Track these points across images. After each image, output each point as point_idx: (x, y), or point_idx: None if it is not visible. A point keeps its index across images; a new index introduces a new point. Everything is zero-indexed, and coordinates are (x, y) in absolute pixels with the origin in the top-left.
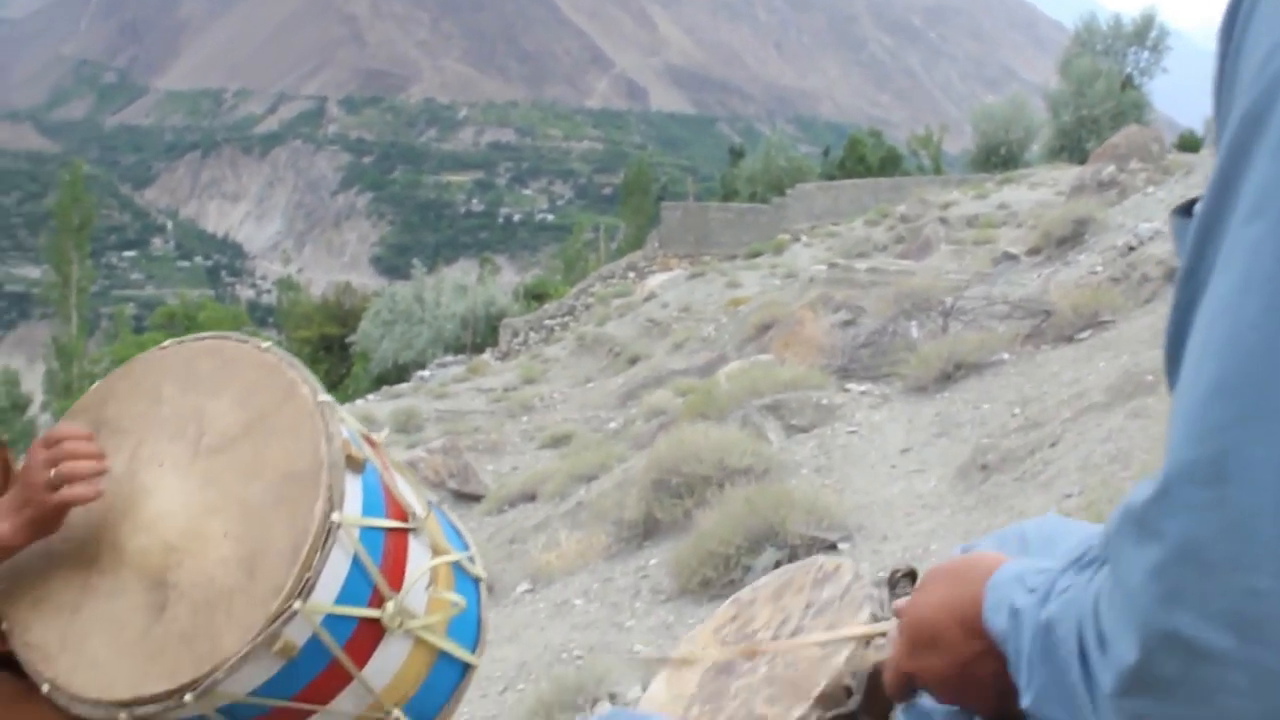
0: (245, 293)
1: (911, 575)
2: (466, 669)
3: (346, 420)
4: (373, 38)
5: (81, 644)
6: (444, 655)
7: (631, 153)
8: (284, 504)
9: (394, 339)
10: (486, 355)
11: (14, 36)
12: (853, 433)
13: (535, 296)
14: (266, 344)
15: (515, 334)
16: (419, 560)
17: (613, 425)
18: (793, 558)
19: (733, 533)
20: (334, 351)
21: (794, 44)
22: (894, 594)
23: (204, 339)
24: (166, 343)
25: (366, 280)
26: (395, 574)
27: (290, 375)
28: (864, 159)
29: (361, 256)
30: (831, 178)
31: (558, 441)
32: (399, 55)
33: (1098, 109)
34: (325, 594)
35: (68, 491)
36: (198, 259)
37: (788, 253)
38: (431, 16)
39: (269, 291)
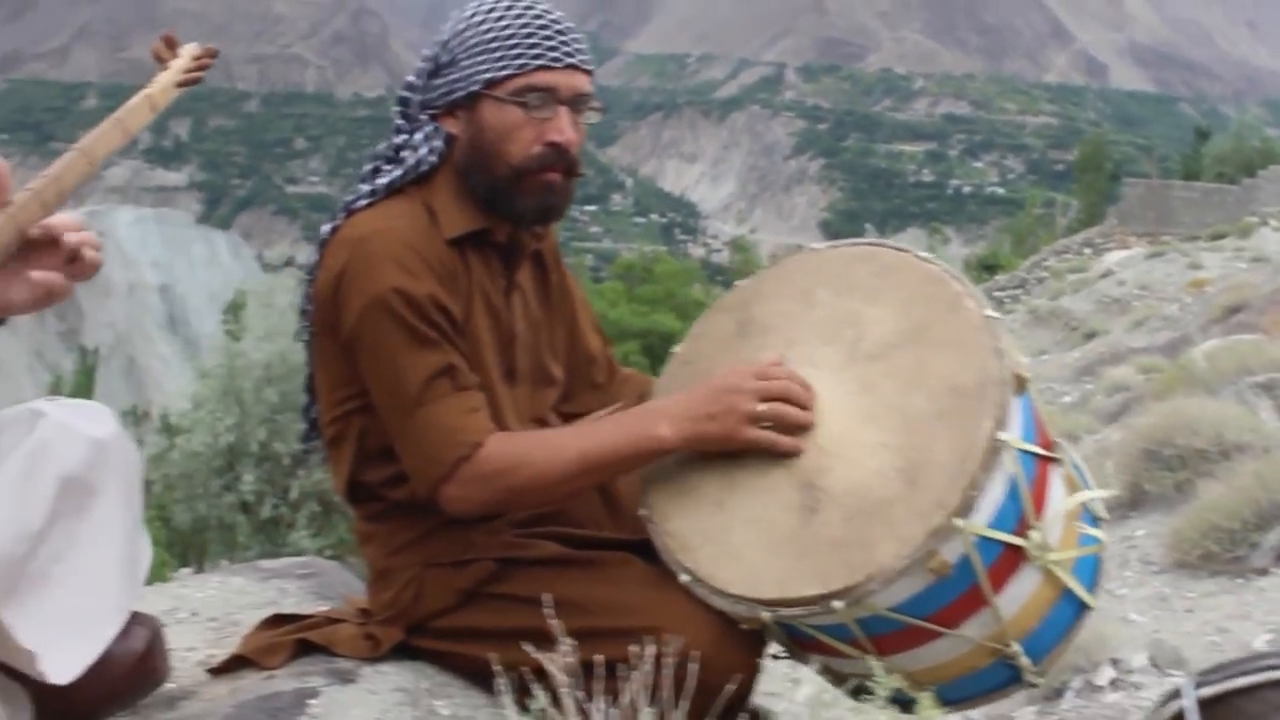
0: (696, 250)
1: None
2: (1082, 609)
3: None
4: (834, 6)
5: (725, 538)
6: (1067, 593)
7: (1086, 129)
8: (948, 418)
9: None
10: None
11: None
12: None
13: (987, 268)
14: (927, 255)
15: None
16: (1057, 492)
17: (1067, 399)
18: None
19: (1239, 507)
20: None
21: (1270, 23)
22: None
23: (858, 244)
24: (818, 245)
25: (813, 243)
26: (1039, 503)
27: (955, 287)
28: None
29: (810, 221)
30: None
31: None
32: (859, 25)
33: None
34: (981, 515)
35: (768, 435)
36: (653, 216)
37: (1255, 236)
38: None
39: (719, 251)
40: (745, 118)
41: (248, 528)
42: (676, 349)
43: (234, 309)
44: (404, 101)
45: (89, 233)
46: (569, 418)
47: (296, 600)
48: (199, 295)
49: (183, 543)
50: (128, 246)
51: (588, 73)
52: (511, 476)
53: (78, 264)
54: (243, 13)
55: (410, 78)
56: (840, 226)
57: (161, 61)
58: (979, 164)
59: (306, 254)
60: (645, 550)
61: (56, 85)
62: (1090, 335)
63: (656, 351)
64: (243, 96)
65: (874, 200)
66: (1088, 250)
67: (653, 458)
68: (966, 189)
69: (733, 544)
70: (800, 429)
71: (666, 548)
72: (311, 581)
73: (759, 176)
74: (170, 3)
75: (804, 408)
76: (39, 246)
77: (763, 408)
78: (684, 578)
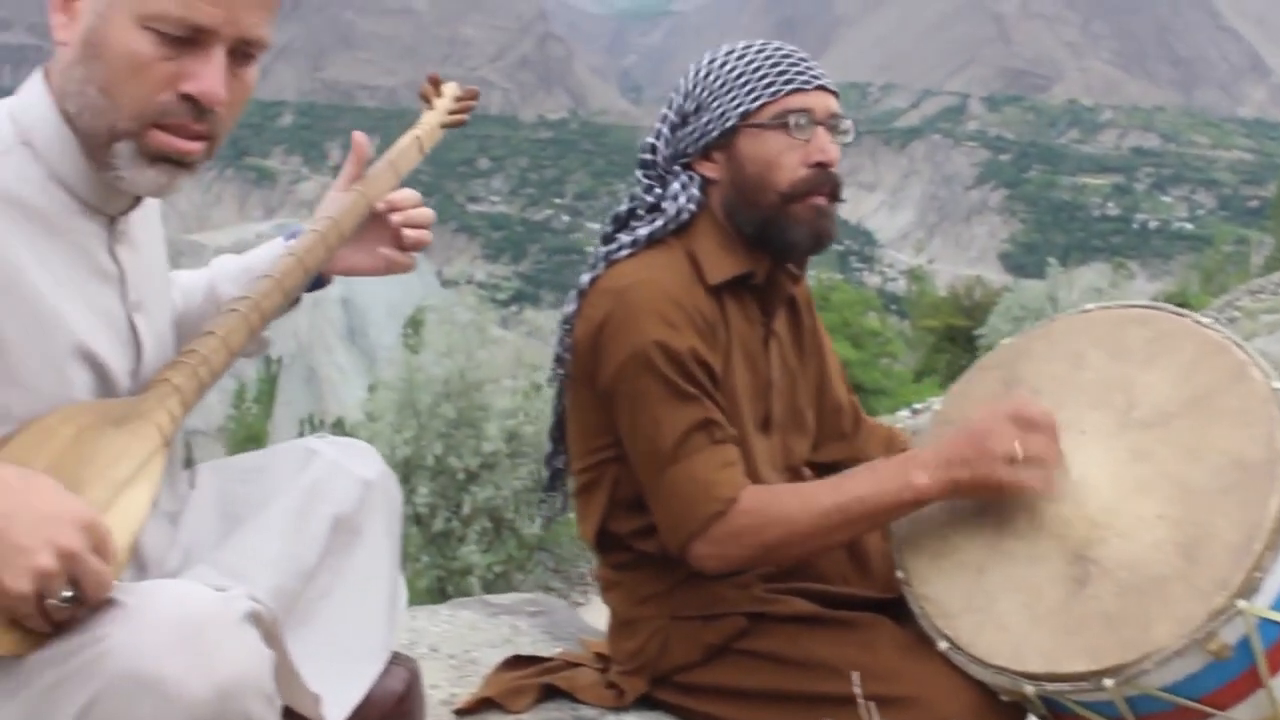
0: (872, 279)
1: None
2: None
3: None
4: (1019, 36)
5: (988, 606)
6: None
7: None
8: (1232, 492)
9: None
10: None
11: (682, 27)
12: None
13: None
14: (1207, 319)
15: None
16: None
17: None
18: None
19: None
20: (958, 343)
21: None
22: None
23: (1132, 306)
24: (1089, 306)
25: (992, 275)
26: None
27: (1239, 355)
28: None
29: (989, 252)
30: None
31: None
32: (1044, 55)
33: None
34: (1265, 597)
35: (1025, 474)
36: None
37: None
38: (1082, 17)
39: (895, 280)
40: (926, 147)
41: (419, 539)
42: (937, 407)
43: (413, 324)
44: (646, 164)
45: (419, 210)
46: (817, 468)
47: (531, 639)
48: (378, 308)
49: None
50: None
51: (835, 94)
52: (765, 533)
53: (407, 240)
54: (432, 36)
55: (649, 139)
56: (1021, 259)
57: (427, 102)
58: (1167, 198)
59: (486, 272)
60: (895, 610)
61: (255, 102)
62: None
63: None
64: None
65: (1056, 233)
66: None
67: (910, 509)
68: (1153, 224)
69: (996, 613)
70: (1054, 464)
71: (924, 613)
72: (542, 620)
73: (938, 206)
74: (364, 25)
75: (1048, 456)
76: (379, 219)
77: (1019, 446)
78: (942, 645)
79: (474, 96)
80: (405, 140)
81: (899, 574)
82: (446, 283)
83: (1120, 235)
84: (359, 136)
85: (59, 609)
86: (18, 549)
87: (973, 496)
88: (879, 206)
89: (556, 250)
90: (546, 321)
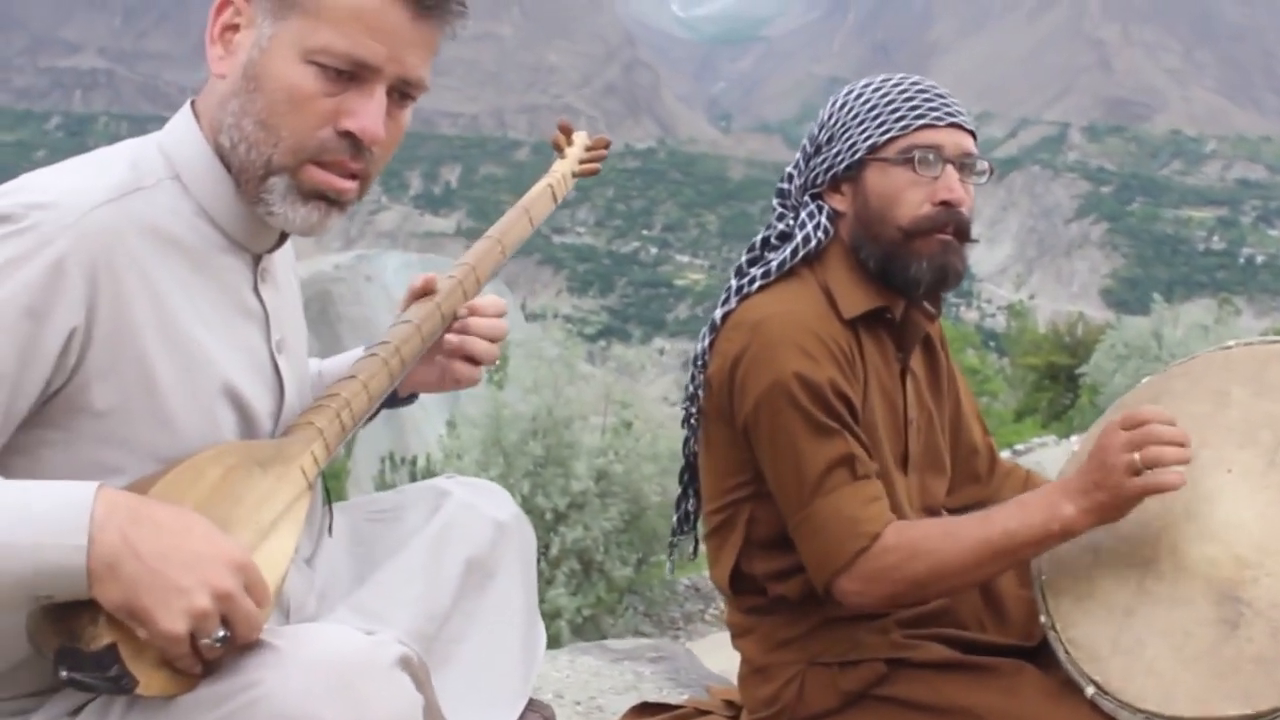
0: (970, 314)
1: None
2: None
3: None
4: (1120, 65)
5: (1137, 650)
6: None
7: None
8: None
9: (1126, 374)
10: None
11: (772, 54)
12: None
13: None
14: None
15: None
16: None
17: None
18: None
19: None
20: (1060, 381)
21: None
22: None
23: (1274, 343)
24: (1230, 342)
25: (1093, 311)
26: None
27: None
28: None
29: (1091, 287)
30: None
31: None
32: (1146, 83)
33: None
34: None
35: (1151, 478)
36: None
37: None
38: (1184, 44)
39: (993, 315)
40: (1024, 178)
41: None
42: (1075, 446)
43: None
44: (782, 193)
45: (495, 323)
46: (952, 512)
47: (655, 686)
48: None
49: None
50: (395, 291)
51: (971, 133)
52: (911, 567)
53: (478, 354)
54: (516, 63)
55: (787, 168)
56: (1123, 294)
57: (559, 150)
58: (1274, 232)
59: (571, 305)
60: (1034, 657)
61: None
62: None
63: None
64: (513, 145)
65: (1159, 268)
66: None
67: (1057, 541)
68: (1260, 258)
69: (1144, 656)
70: (1181, 460)
71: (1071, 657)
72: (664, 666)
73: (1038, 240)
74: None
75: (1178, 443)
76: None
77: (1138, 455)
78: (1090, 690)
79: (605, 145)
80: (538, 188)
81: (1042, 618)
82: (531, 316)
83: (1225, 270)
84: (418, 282)
85: (211, 649)
86: (174, 589)
87: (1117, 517)
88: (976, 239)
89: (644, 284)
90: (635, 357)
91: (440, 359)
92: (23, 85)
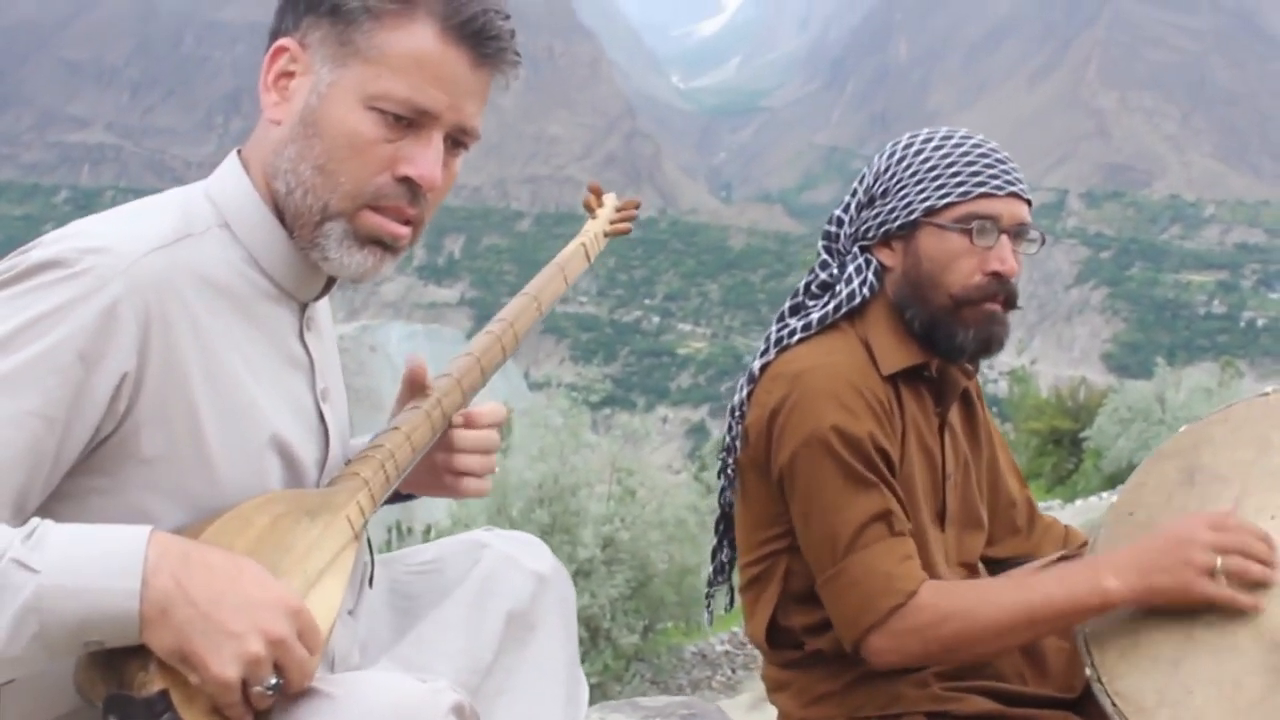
0: None
1: None
2: None
3: None
4: (1118, 131)
5: (1185, 700)
6: None
7: None
8: None
9: (1130, 438)
10: None
11: (773, 124)
12: None
13: None
14: None
15: None
16: None
17: None
18: None
19: None
20: (1063, 445)
21: None
22: None
23: None
24: (1269, 389)
25: (1095, 376)
26: None
27: None
28: None
29: (1092, 352)
30: None
31: None
32: (1144, 149)
33: None
34: None
35: (1226, 591)
36: None
37: None
38: (1182, 110)
39: (995, 380)
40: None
41: None
42: (1116, 500)
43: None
44: (829, 236)
45: (486, 433)
46: (991, 564)
47: None
48: None
49: None
50: (399, 361)
51: (1028, 202)
52: (945, 628)
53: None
54: (518, 133)
55: (836, 211)
56: (1124, 359)
57: (590, 211)
58: (1275, 295)
59: (574, 373)
60: (1076, 708)
61: None
62: None
63: None
64: (516, 216)
65: (1160, 332)
66: None
67: (1096, 613)
68: (1261, 321)
69: (1193, 706)
70: (1261, 586)
71: (1118, 710)
72: None
73: (1038, 305)
74: None
75: (1265, 563)
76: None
77: (1220, 561)
78: None
79: (635, 206)
80: (571, 247)
81: (1088, 670)
82: (535, 385)
83: (1226, 334)
84: (414, 362)
85: (263, 697)
86: (227, 633)
87: (1165, 604)
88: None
89: (647, 352)
90: (639, 425)
91: (445, 477)
92: (31, 160)
